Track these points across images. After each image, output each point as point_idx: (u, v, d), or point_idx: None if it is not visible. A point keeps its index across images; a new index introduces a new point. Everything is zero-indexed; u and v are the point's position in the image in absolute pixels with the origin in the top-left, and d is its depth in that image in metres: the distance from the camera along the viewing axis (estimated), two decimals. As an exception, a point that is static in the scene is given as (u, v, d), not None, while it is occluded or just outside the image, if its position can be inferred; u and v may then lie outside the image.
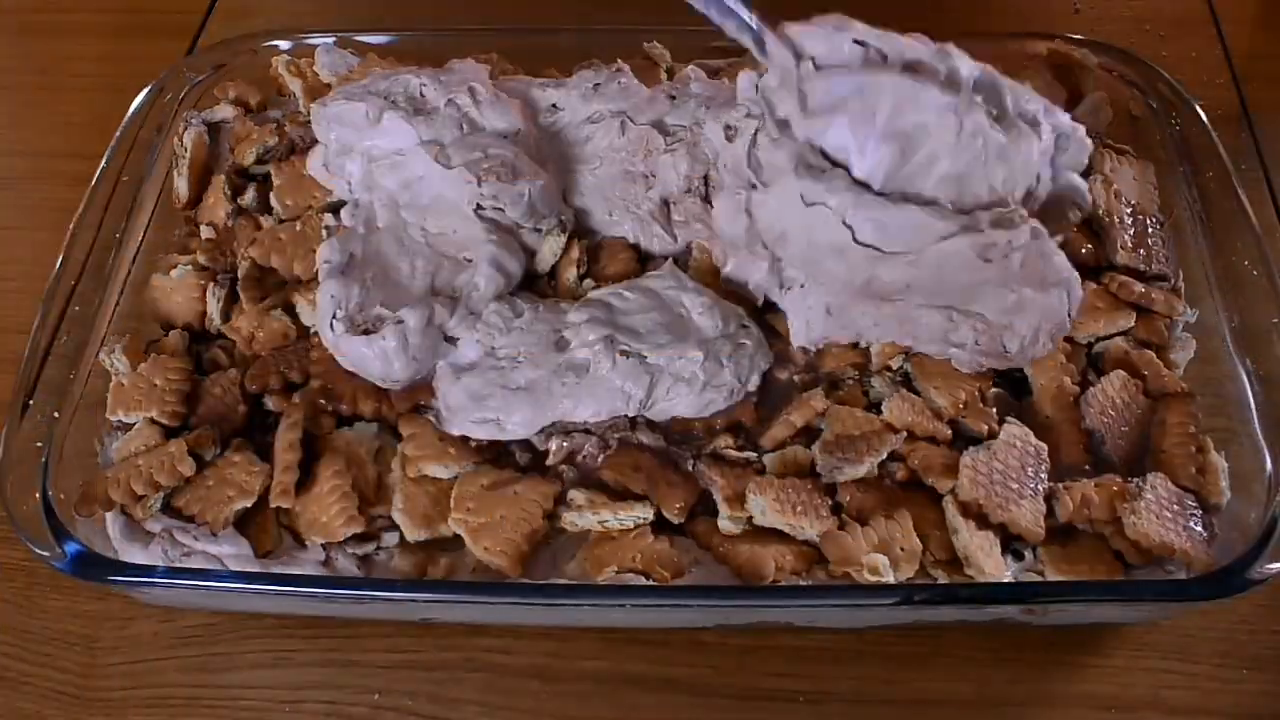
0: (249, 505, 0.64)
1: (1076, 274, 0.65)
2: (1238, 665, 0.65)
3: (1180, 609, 0.66)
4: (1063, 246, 0.66)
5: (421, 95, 0.75)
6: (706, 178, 0.74)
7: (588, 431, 0.66)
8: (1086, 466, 0.66)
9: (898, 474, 0.66)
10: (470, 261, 0.71)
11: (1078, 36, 0.83)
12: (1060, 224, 0.70)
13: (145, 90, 0.82)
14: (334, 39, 0.86)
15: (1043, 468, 0.65)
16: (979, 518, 0.62)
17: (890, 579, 0.61)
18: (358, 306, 0.68)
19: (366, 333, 0.67)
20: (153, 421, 0.67)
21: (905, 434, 0.66)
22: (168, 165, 0.80)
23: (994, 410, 0.67)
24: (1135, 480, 0.63)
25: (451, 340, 0.68)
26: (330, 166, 0.76)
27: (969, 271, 0.64)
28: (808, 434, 0.67)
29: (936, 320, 0.66)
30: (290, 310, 0.73)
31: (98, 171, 0.77)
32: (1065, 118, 0.70)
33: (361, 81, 0.77)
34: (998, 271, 0.64)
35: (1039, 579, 0.62)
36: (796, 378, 0.69)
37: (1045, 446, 0.65)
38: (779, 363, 0.69)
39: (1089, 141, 0.70)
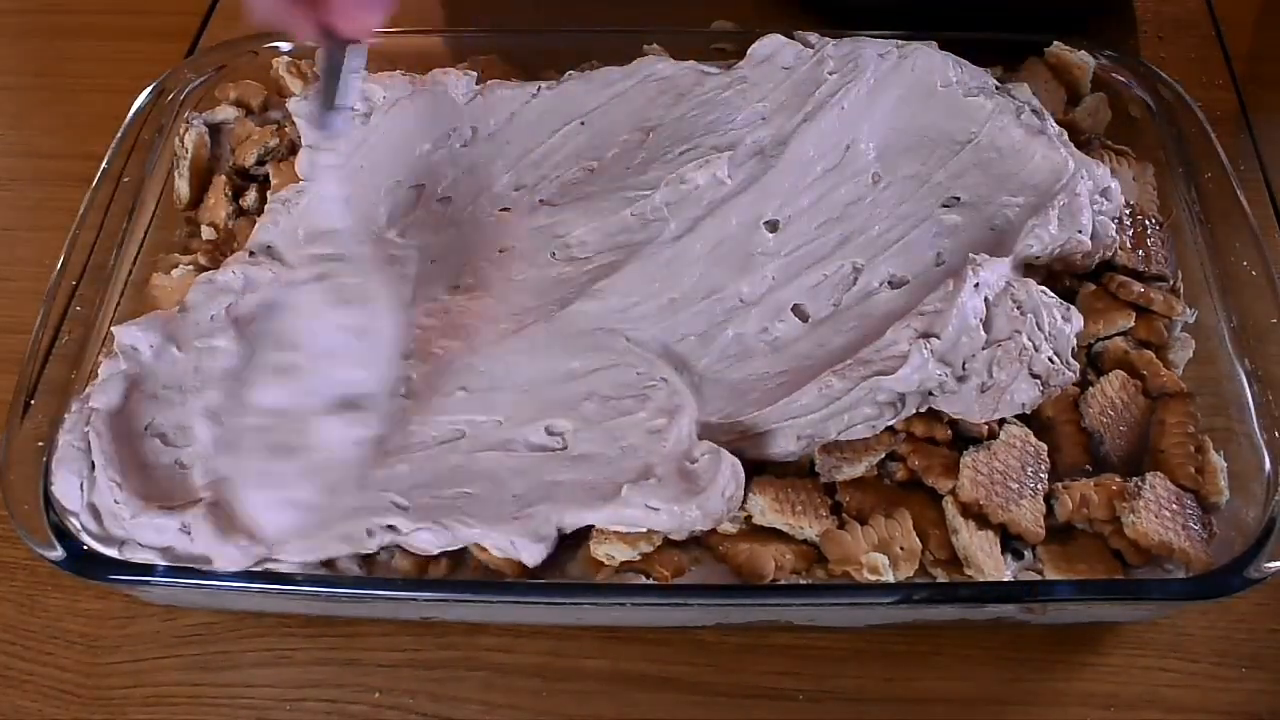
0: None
1: (1074, 311, 0.66)
2: (1236, 664, 0.65)
3: (1179, 608, 0.66)
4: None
5: None
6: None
7: (588, 431, 0.67)
8: (1086, 466, 0.66)
9: (897, 474, 0.66)
10: None
11: (1077, 38, 0.84)
12: (1079, 263, 0.71)
13: (146, 91, 0.83)
14: (334, 40, 0.86)
15: (1043, 468, 0.65)
16: (979, 518, 0.63)
17: (889, 578, 0.61)
18: None
19: None
20: (154, 421, 0.68)
21: (905, 434, 0.66)
22: (169, 166, 0.80)
23: (994, 410, 0.67)
24: (1134, 480, 0.63)
25: None
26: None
27: None
28: (807, 434, 0.67)
29: None
30: (291, 310, 0.73)
31: (99, 172, 0.77)
32: (1104, 172, 0.73)
33: None
34: None
35: (1038, 578, 0.62)
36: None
37: (1045, 446, 0.66)
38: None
39: (1120, 195, 0.72)
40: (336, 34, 0.64)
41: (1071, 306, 0.67)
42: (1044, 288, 0.66)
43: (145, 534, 0.62)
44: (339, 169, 0.66)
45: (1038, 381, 0.64)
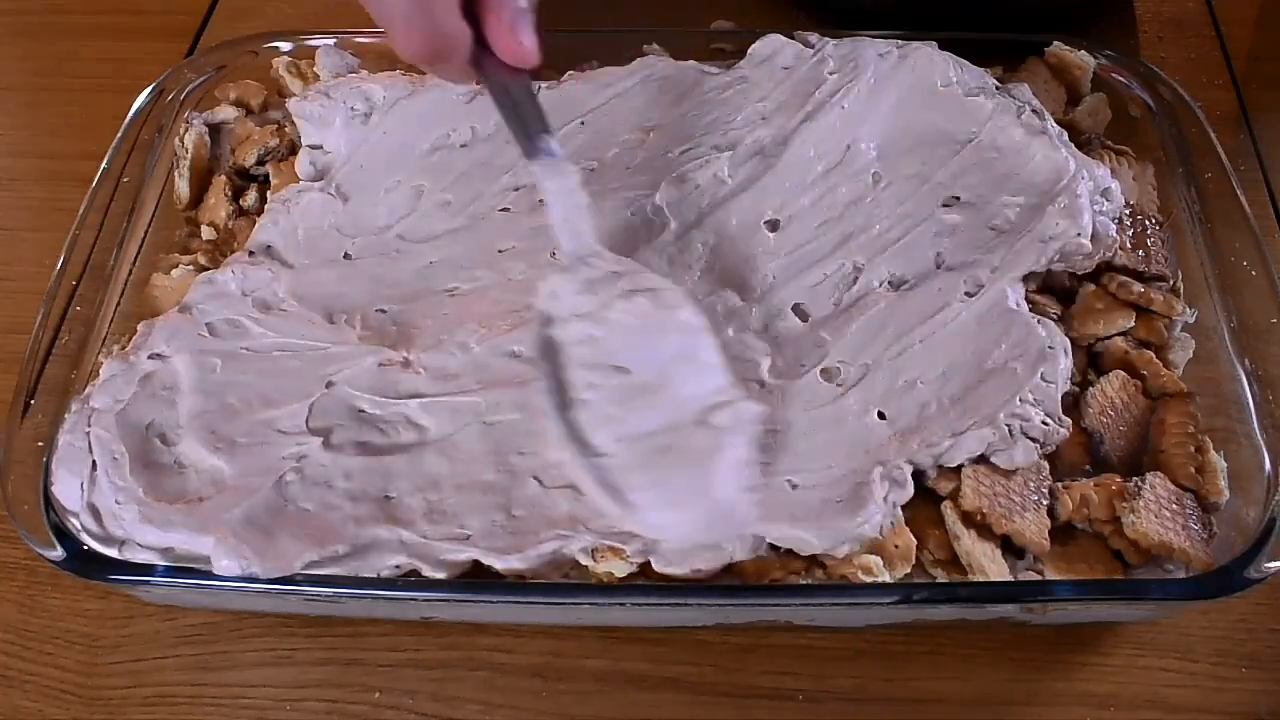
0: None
1: (1058, 351, 0.66)
2: (1236, 664, 0.65)
3: (1179, 608, 0.66)
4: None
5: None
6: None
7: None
8: (1086, 466, 0.66)
9: (897, 474, 0.66)
10: None
11: (1077, 38, 0.84)
12: (1079, 263, 0.70)
13: (146, 91, 0.83)
14: (334, 40, 0.86)
15: (1044, 469, 0.65)
16: (981, 528, 0.62)
17: (885, 578, 0.61)
18: None
19: None
20: (154, 421, 0.67)
21: (905, 434, 0.66)
22: (169, 166, 0.80)
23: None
24: (1134, 480, 0.63)
25: None
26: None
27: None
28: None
29: None
30: (291, 310, 0.73)
31: (99, 172, 0.77)
32: (1104, 173, 0.73)
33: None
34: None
35: (1038, 578, 0.62)
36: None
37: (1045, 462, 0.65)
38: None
39: (1120, 196, 0.72)
40: (499, 67, 0.63)
41: (1054, 348, 0.66)
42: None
43: (145, 534, 0.62)
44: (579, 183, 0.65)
45: (1035, 445, 0.64)
